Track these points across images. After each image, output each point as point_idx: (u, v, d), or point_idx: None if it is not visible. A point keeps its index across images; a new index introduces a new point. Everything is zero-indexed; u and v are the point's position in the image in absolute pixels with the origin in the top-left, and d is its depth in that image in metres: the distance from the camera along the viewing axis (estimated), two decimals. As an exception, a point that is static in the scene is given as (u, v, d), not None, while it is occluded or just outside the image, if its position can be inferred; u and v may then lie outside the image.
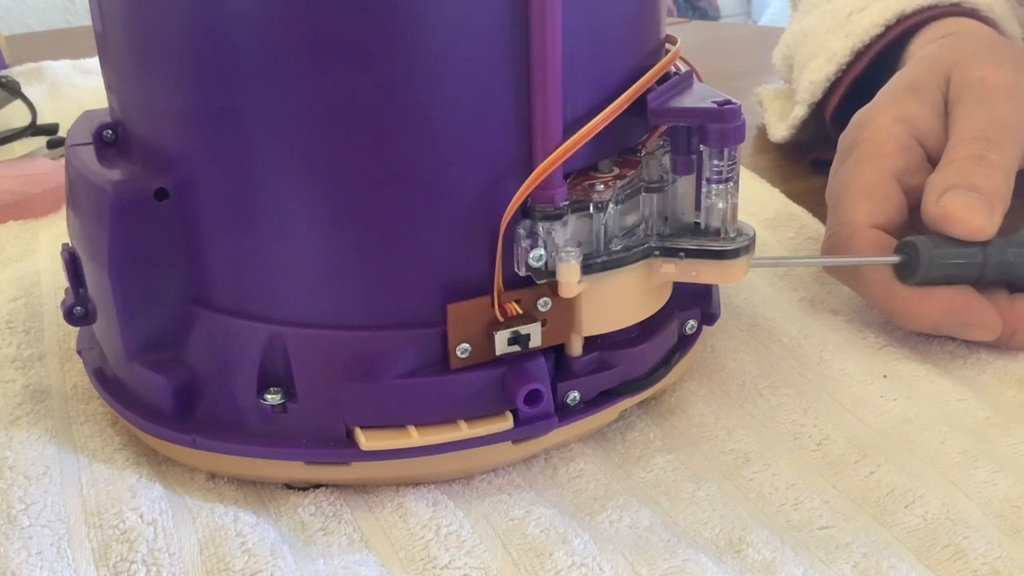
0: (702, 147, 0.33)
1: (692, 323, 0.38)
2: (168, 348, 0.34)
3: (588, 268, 0.32)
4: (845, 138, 0.45)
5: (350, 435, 0.33)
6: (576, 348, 0.34)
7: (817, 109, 0.59)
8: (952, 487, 0.34)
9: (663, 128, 0.34)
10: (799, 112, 0.60)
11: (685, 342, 0.38)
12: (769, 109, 0.66)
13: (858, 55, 0.56)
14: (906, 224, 0.42)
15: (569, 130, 0.31)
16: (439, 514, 0.33)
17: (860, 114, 0.45)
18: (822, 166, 0.59)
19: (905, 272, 0.39)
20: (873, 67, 0.56)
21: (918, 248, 0.39)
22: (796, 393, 0.39)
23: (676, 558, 0.30)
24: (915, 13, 0.54)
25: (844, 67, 0.57)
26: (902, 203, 0.42)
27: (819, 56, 0.58)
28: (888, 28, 0.55)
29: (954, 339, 0.41)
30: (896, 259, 0.39)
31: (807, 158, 0.60)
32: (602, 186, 0.32)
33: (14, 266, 0.50)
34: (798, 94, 0.60)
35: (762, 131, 0.66)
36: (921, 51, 0.51)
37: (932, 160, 0.43)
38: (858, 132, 0.44)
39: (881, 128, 0.43)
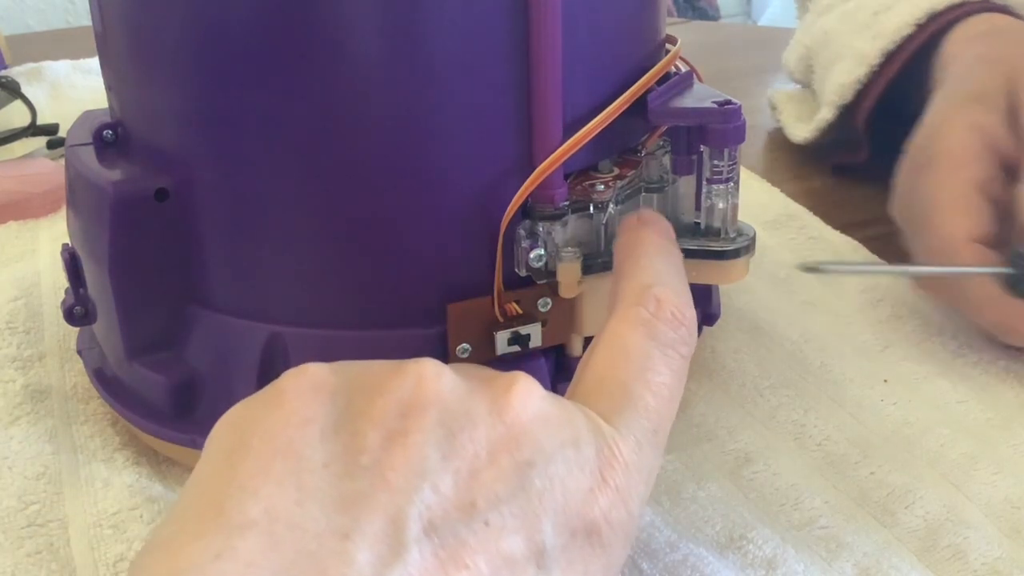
0: (702, 147, 0.33)
1: (692, 323, 0.38)
2: (168, 348, 0.34)
3: (588, 268, 0.32)
4: (916, 150, 0.43)
5: (350, 435, 0.33)
6: (576, 348, 0.34)
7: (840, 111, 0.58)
8: (953, 488, 0.34)
9: (663, 128, 0.34)
10: (827, 114, 0.58)
11: (685, 342, 0.38)
12: (784, 111, 0.65)
13: (888, 56, 0.55)
14: (999, 236, 0.40)
15: (569, 130, 0.31)
16: (439, 514, 0.33)
17: (928, 124, 0.44)
18: (844, 171, 0.58)
19: (1017, 284, 0.37)
20: (902, 67, 0.55)
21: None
22: (796, 394, 0.39)
23: (678, 553, 0.30)
24: (947, 11, 0.53)
25: (875, 69, 0.55)
26: (992, 214, 0.40)
27: (846, 58, 0.57)
28: (919, 27, 0.53)
29: (955, 340, 0.41)
30: (1009, 270, 0.38)
31: (828, 162, 0.60)
32: (602, 186, 0.32)
33: (14, 266, 0.50)
34: (825, 95, 0.58)
35: (772, 134, 0.66)
36: (966, 52, 0.49)
37: (1006, 169, 0.41)
38: (932, 143, 0.43)
39: (957, 138, 0.42)
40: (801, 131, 0.61)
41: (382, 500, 0.20)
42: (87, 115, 0.37)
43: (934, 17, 0.53)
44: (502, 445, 0.22)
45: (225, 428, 0.22)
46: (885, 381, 0.39)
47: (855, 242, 0.50)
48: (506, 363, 0.32)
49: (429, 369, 0.23)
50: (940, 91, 0.46)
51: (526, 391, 0.23)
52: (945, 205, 0.40)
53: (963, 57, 0.48)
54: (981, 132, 0.42)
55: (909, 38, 0.54)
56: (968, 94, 0.44)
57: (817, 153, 0.61)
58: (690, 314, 0.27)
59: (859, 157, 0.57)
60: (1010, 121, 0.42)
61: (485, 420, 0.22)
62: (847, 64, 0.56)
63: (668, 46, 0.36)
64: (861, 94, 0.56)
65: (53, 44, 0.97)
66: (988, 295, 0.38)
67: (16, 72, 0.84)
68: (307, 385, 0.22)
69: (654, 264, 0.29)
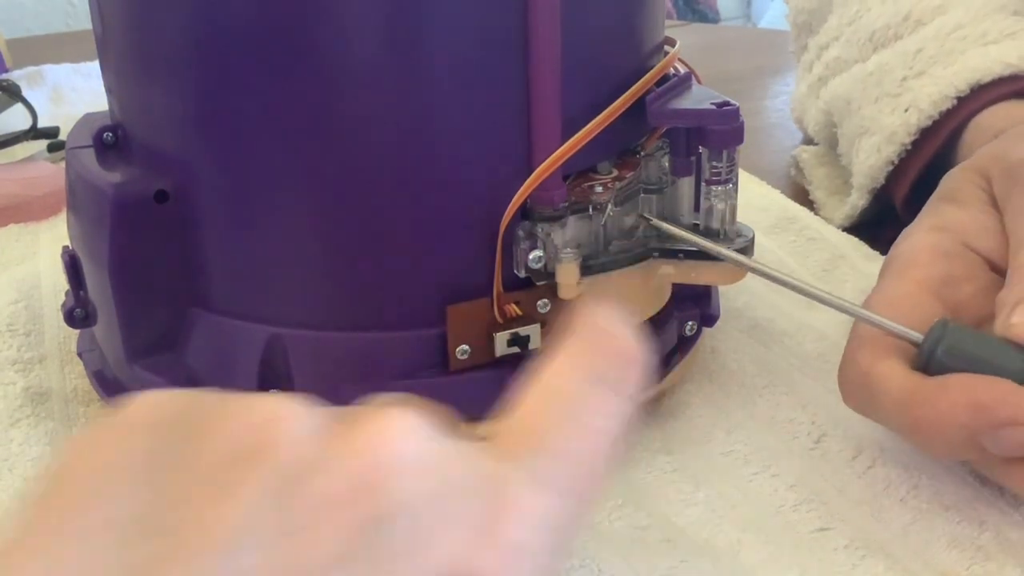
0: (701, 149, 0.33)
1: (691, 324, 0.38)
2: (168, 350, 0.34)
3: (587, 269, 0.32)
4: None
5: (350, 436, 0.33)
6: (575, 349, 0.34)
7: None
8: (947, 471, 0.34)
9: (662, 130, 0.34)
10: (859, 201, 0.51)
11: (685, 343, 0.38)
12: (815, 180, 0.57)
13: (924, 131, 0.47)
14: None
15: (568, 132, 0.31)
16: (439, 515, 0.33)
17: (899, 237, 0.38)
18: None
19: (929, 358, 0.31)
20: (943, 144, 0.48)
21: (946, 328, 0.31)
22: (794, 392, 0.39)
23: (674, 558, 0.30)
24: (995, 84, 0.45)
25: (908, 147, 0.48)
26: (935, 314, 0.33)
27: (873, 132, 0.50)
28: (960, 100, 0.46)
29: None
30: (918, 337, 0.32)
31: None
32: (601, 188, 0.32)
33: (14, 269, 0.50)
34: (855, 178, 0.52)
35: (770, 133, 0.65)
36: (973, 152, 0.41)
37: (995, 266, 0.36)
38: (891, 251, 0.37)
39: (913, 240, 0.37)
40: (836, 215, 0.53)
41: (185, 568, 0.17)
42: (87, 118, 0.38)
43: (980, 89, 0.46)
44: (351, 497, 0.19)
45: (57, 461, 0.20)
46: None
47: (856, 240, 0.50)
48: (506, 364, 0.33)
49: (286, 410, 0.20)
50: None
51: (399, 434, 0.20)
52: (875, 306, 0.34)
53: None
54: (948, 230, 0.36)
55: (948, 113, 0.47)
56: (938, 198, 0.38)
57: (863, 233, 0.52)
58: (638, 353, 0.24)
59: None
60: (992, 213, 0.37)
61: (336, 469, 0.19)
62: (875, 141, 0.49)
63: (667, 48, 0.36)
64: (896, 171, 0.49)
65: (54, 47, 0.98)
66: (892, 369, 0.32)
67: (17, 75, 0.84)
68: (141, 421, 0.21)
69: (606, 311, 0.24)
